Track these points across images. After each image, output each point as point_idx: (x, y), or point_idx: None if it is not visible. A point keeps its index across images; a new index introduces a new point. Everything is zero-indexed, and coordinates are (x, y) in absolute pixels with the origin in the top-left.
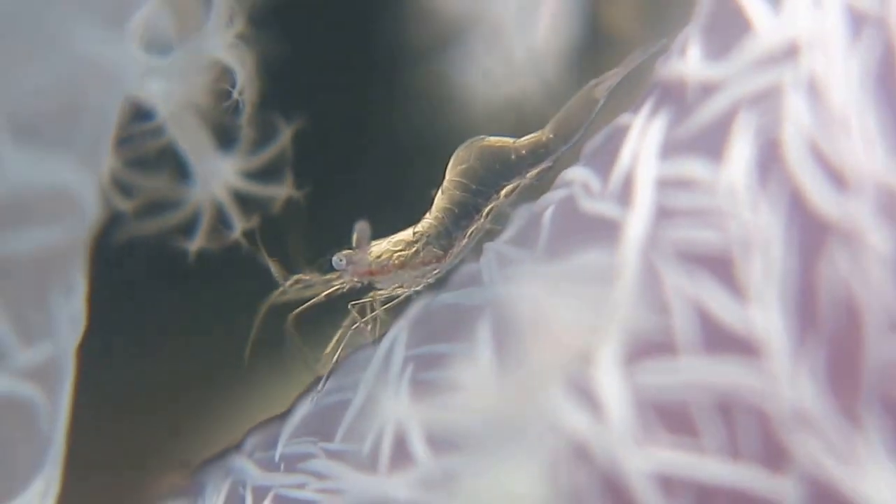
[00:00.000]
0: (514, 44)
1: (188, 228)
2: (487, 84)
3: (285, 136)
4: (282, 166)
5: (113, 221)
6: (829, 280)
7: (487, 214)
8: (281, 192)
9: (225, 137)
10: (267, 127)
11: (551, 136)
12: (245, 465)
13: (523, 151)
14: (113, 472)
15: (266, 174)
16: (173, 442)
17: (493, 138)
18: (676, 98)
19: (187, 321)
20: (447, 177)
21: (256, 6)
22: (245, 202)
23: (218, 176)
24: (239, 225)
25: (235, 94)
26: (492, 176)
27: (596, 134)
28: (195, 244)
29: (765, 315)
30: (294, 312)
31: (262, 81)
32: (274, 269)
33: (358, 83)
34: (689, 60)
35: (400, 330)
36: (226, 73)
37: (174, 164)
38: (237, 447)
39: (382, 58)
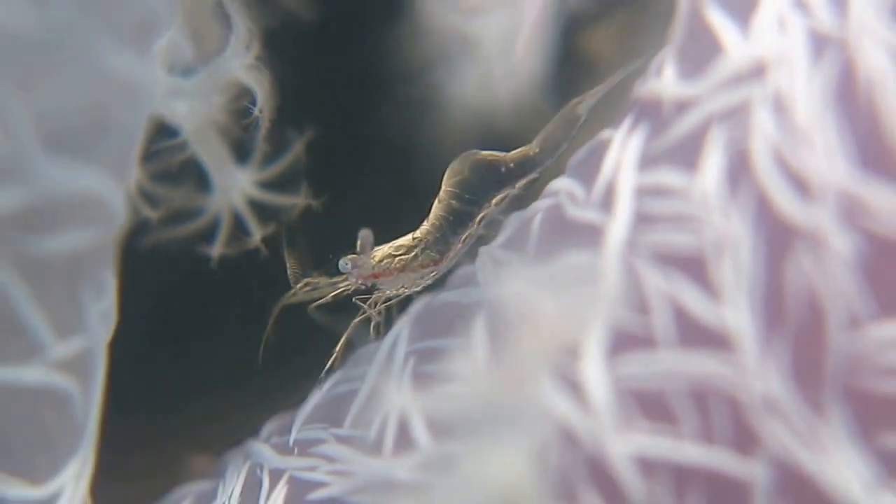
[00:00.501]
0: (495, 64)
1: (209, 235)
2: (475, 100)
3: (298, 149)
4: (295, 177)
5: (141, 228)
6: (795, 280)
7: (480, 221)
8: (293, 201)
9: (242, 151)
10: (279, 141)
11: (537, 150)
12: (262, 450)
13: (512, 164)
14: (144, 456)
15: (279, 184)
16: (199, 428)
17: (485, 152)
18: (654, 114)
19: (212, 320)
20: (443, 187)
21: (270, 31)
22: (261, 210)
23: (236, 186)
24: (256, 231)
25: (256, 112)
26: (484, 186)
27: (580, 147)
28: (216, 249)
29: (735, 312)
30: (313, 305)
31: (276, 99)
32: (290, 271)
33: (359, 99)
34: (665, 80)
35: (402, 327)
36: (244, 92)
37: (196, 176)
38: (255, 433)
39: (380, 76)
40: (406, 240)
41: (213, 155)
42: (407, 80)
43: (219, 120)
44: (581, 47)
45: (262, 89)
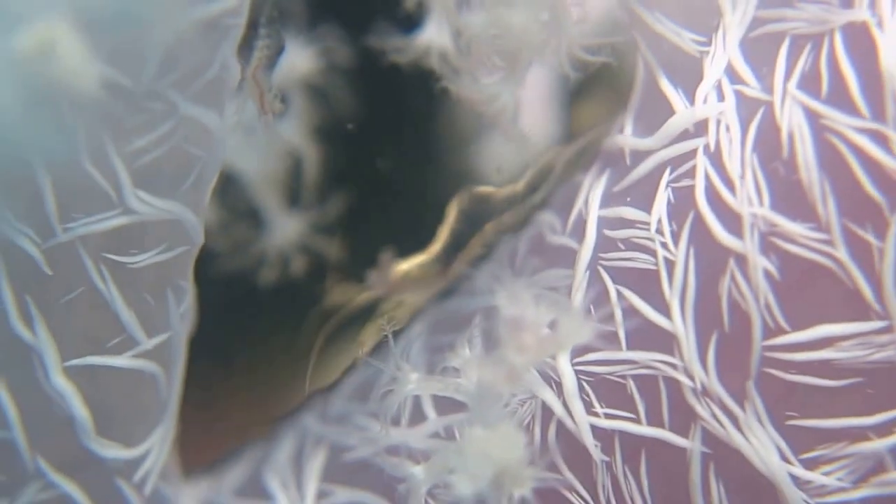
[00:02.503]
0: (512, 131)
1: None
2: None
3: (338, 199)
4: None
5: (212, 255)
6: (728, 291)
7: (477, 243)
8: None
9: (293, 199)
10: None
11: (522, 188)
12: (308, 420)
13: (502, 197)
14: (215, 424)
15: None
16: (260, 402)
17: (482, 188)
18: (616, 161)
19: (268, 318)
20: (449, 215)
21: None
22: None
23: (286, 227)
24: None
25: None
26: (480, 215)
27: (560, 188)
28: (268, 274)
29: (681, 316)
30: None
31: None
32: (329, 283)
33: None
34: (627, 135)
35: (418, 326)
36: (296, 152)
37: (255, 217)
38: (304, 407)
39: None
40: (419, 258)
41: (269, 200)
42: (447, 150)
43: (275, 172)
44: (576, 127)
45: (310, 152)
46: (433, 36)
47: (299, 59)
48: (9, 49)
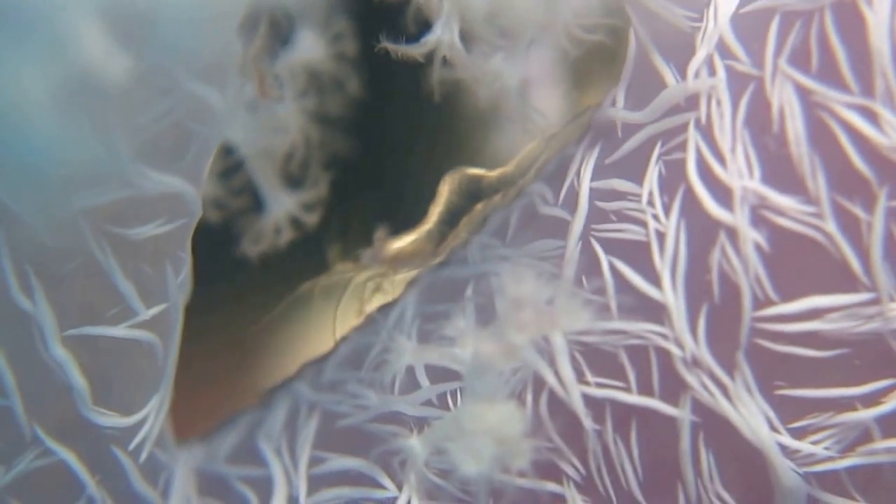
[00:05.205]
0: (524, 118)
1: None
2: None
3: (325, 181)
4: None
5: (209, 227)
6: (718, 263)
7: (467, 221)
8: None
9: (290, 179)
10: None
11: (513, 169)
12: (301, 387)
13: (493, 179)
14: (208, 392)
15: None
16: (253, 369)
17: (470, 169)
18: (608, 134)
19: (263, 294)
20: (440, 195)
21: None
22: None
23: (282, 205)
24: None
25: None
26: (469, 195)
27: (552, 160)
28: (259, 247)
29: (672, 287)
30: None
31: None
32: (330, 259)
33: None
34: (618, 108)
35: (411, 295)
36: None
37: (253, 195)
38: (297, 374)
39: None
40: (413, 235)
41: (265, 178)
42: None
43: (273, 152)
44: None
45: (310, 132)
46: (441, 34)
47: (306, 46)
48: (30, 45)
